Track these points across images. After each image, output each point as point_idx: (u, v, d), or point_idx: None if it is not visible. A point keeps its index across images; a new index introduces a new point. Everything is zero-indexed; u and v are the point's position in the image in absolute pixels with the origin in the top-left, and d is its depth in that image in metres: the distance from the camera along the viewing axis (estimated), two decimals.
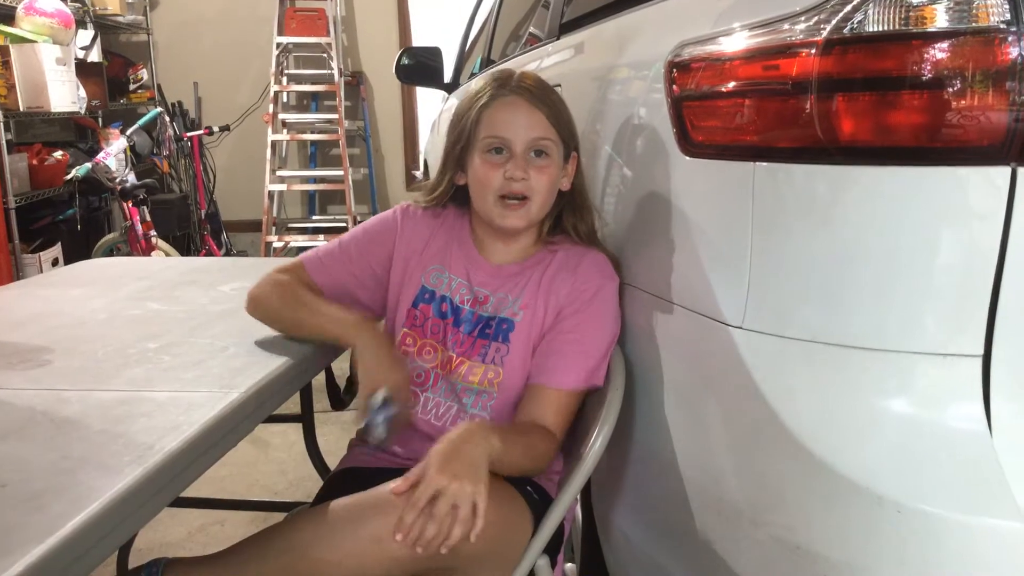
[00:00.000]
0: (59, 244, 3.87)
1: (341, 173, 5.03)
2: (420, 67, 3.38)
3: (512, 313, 1.18)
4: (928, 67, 0.77)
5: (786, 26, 0.85)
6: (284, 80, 5.15)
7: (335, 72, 4.97)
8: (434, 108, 4.17)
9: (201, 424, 0.85)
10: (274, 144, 5.05)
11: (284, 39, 4.96)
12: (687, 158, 0.99)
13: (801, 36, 0.83)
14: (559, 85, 1.52)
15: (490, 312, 1.20)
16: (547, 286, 1.18)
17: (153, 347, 1.14)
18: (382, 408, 1.06)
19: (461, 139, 1.18)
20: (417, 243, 1.25)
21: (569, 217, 1.22)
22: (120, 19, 4.86)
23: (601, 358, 1.15)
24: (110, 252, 3.88)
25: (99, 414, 0.88)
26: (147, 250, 3.72)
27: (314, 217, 5.47)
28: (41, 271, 3.54)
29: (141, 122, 4.05)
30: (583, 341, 1.15)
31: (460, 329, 1.20)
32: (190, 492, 1.02)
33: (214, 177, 5.11)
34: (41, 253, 3.69)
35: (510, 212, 1.16)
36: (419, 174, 5.34)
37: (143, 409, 0.89)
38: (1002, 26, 0.74)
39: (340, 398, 1.70)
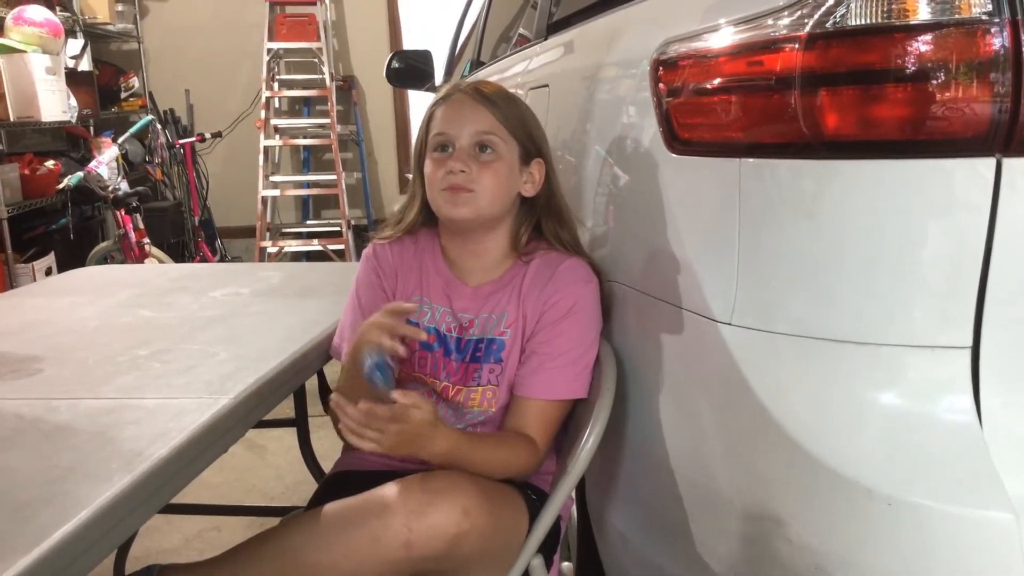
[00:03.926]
0: (52, 253, 3.86)
1: (334, 177, 5.03)
2: (410, 70, 3.37)
3: (500, 332, 1.18)
4: (911, 60, 0.76)
5: (769, 21, 0.85)
6: (276, 85, 5.15)
7: (326, 76, 4.97)
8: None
9: (190, 430, 0.85)
10: (267, 150, 5.04)
11: (275, 44, 4.96)
12: (674, 156, 0.99)
13: (784, 31, 0.83)
14: (547, 86, 1.53)
15: (477, 335, 1.19)
16: (525, 299, 1.17)
17: (143, 354, 1.14)
18: (371, 362, 1.03)
19: (420, 144, 1.20)
20: (392, 277, 1.23)
21: (550, 225, 1.20)
22: (110, 28, 4.84)
23: (582, 367, 1.14)
24: (104, 260, 3.86)
25: (88, 422, 0.88)
26: (141, 258, 3.70)
27: (308, 222, 5.46)
28: (35, 280, 3.52)
29: (133, 130, 4.04)
30: (563, 352, 1.14)
31: (451, 358, 1.20)
32: (187, 499, 1.01)
33: (207, 184, 5.10)
34: (35, 263, 3.68)
35: (455, 199, 1.13)
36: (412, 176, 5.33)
37: (132, 416, 0.89)
38: (984, 17, 0.74)
39: None
